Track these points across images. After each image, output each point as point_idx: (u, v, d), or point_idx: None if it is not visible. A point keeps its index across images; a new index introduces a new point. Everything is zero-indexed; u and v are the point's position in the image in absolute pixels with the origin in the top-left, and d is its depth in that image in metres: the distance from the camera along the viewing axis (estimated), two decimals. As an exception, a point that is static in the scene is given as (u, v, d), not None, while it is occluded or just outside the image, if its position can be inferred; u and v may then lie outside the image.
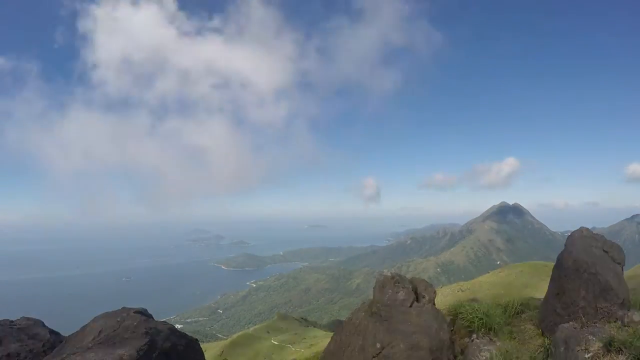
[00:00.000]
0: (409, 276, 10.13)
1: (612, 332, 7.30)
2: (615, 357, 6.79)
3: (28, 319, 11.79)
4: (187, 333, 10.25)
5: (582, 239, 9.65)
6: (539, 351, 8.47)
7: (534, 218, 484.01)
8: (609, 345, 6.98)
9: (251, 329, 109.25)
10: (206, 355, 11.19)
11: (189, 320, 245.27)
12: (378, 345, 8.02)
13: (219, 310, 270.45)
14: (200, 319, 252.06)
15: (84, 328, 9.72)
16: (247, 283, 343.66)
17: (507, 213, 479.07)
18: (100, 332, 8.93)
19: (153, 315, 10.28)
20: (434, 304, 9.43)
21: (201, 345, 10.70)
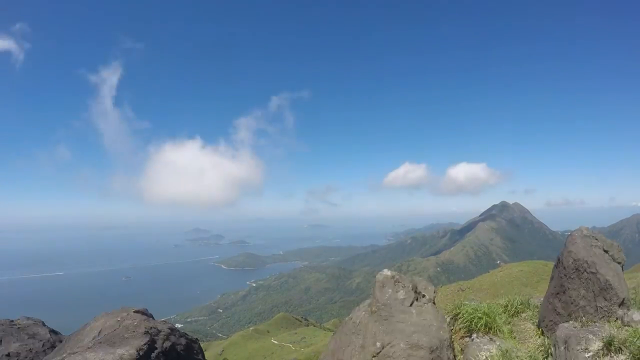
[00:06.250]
0: (409, 275, 10.13)
1: (612, 331, 7.29)
2: (615, 357, 6.79)
3: (28, 318, 11.80)
4: (187, 332, 10.26)
5: (582, 238, 9.63)
6: (538, 350, 8.46)
7: (534, 217, 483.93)
8: (609, 345, 6.97)
9: (251, 328, 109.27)
10: (206, 355, 11.20)
11: (189, 319, 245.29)
12: (378, 345, 8.01)
13: (219, 310, 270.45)
14: (200, 318, 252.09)
15: (84, 328, 9.73)
16: (247, 282, 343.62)
17: (507, 212, 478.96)
18: (100, 331, 8.93)
19: (153, 315, 10.28)
20: (434, 304, 9.43)
21: (201, 345, 10.71)
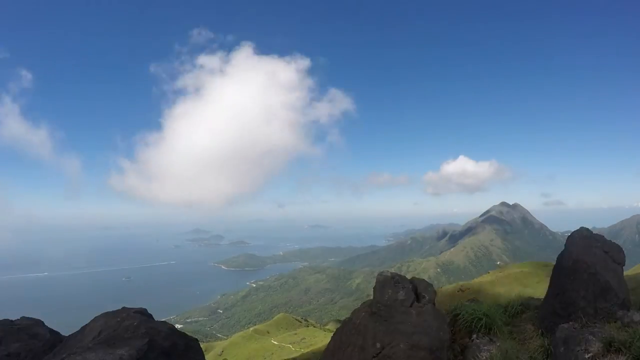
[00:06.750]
0: (409, 276, 10.13)
1: (612, 332, 7.29)
2: (615, 357, 6.78)
3: (28, 318, 11.81)
4: (187, 333, 10.26)
5: (582, 239, 9.65)
6: (538, 351, 8.46)
7: (534, 218, 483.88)
8: (609, 346, 6.97)
9: (251, 329, 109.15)
10: (206, 355, 11.21)
11: (189, 320, 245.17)
12: (378, 345, 8.02)
13: (219, 310, 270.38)
14: (200, 319, 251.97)
15: (84, 328, 9.73)
16: (247, 283, 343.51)
17: (507, 213, 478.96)
18: (100, 332, 8.94)
19: (153, 315, 10.29)
20: (434, 304, 9.43)
21: (201, 345, 10.71)
